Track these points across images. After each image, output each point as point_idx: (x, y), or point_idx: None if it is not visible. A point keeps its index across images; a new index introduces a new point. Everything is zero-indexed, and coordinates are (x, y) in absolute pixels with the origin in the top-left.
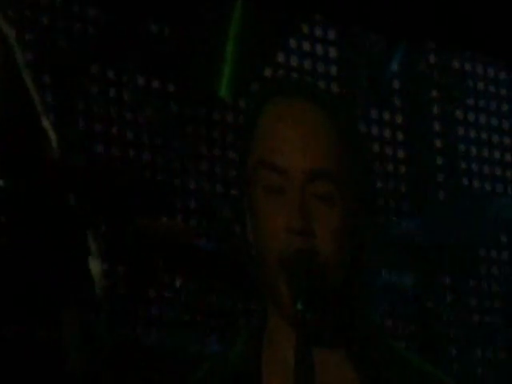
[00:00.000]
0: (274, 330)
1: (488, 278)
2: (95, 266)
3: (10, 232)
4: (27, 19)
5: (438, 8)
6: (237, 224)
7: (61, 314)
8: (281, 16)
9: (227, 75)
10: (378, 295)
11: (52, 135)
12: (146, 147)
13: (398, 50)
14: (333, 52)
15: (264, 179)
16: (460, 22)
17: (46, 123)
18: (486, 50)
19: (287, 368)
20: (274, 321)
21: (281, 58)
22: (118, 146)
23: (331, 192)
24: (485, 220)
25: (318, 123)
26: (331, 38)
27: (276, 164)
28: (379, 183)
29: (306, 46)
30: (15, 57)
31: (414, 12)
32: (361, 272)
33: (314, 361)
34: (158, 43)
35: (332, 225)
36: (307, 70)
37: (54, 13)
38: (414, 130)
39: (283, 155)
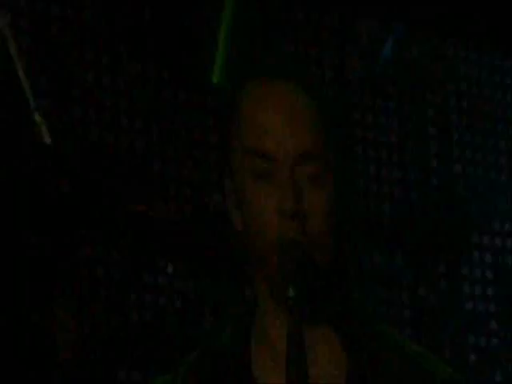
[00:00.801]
0: (264, 313)
1: (481, 264)
2: None
3: (1, 219)
4: (20, 6)
5: None
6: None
7: (53, 301)
8: (274, 2)
9: (220, 62)
10: (371, 281)
11: (43, 127)
12: (140, 134)
13: (392, 37)
14: (327, 38)
15: (252, 166)
16: (454, 10)
17: (37, 117)
18: (479, 38)
19: (277, 350)
20: (264, 304)
21: (275, 44)
22: (112, 133)
23: (320, 173)
24: (477, 206)
25: (301, 104)
26: (327, 25)
27: (264, 151)
28: (373, 170)
29: (301, 33)
30: (8, 46)
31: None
32: (349, 253)
33: (306, 342)
34: (152, 30)
35: (322, 205)
36: (301, 57)
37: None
38: (408, 118)
39: (271, 142)
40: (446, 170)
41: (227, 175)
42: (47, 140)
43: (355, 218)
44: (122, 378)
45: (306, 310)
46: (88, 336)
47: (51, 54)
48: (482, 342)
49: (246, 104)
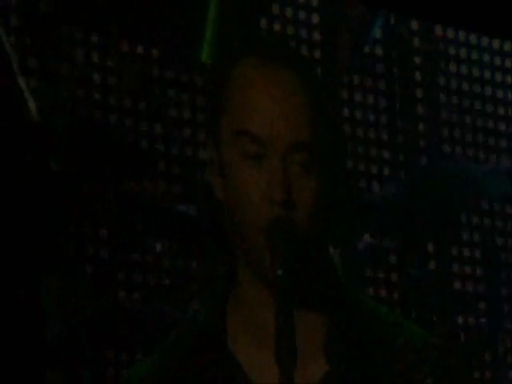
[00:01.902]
0: (244, 292)
1: (470, 244)
2: None
3: None
4: None
5: None
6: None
7: (41, 278)
8: None
9: (209, 40)
10: (360, 260)
11: (30, 98)
12: (128, 112)
13: (380, 16)
14: (315, 18)
15: (242, 147)
16: None
17: (23, 86)
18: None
19: (258, 328)
20: (245, 282)
21: (263, 23)
22: (101, 111)
23: (311, 161)
24: (466, 186)
25: (294, 90)
26: (314, 4)
27: (256, 134)
28: (362, 149)
29: (289, 12)
30: None
31: None
32: (330, 234)
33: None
34: (142, 8)
35: (312, 193)
36: (290, 36)
37: None
38: (397, 96)
39: (264, 126)
40: (434, 150)
41: (211, 144)
42: (35, 116)
43: (343, 200)
44: (109, 357)
45: (294, 288)
46: (75, 315)
47: (40, 30)
48: (470, 322)
49: (239, 82)
